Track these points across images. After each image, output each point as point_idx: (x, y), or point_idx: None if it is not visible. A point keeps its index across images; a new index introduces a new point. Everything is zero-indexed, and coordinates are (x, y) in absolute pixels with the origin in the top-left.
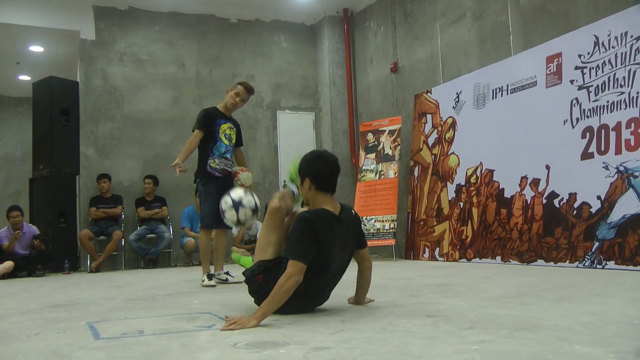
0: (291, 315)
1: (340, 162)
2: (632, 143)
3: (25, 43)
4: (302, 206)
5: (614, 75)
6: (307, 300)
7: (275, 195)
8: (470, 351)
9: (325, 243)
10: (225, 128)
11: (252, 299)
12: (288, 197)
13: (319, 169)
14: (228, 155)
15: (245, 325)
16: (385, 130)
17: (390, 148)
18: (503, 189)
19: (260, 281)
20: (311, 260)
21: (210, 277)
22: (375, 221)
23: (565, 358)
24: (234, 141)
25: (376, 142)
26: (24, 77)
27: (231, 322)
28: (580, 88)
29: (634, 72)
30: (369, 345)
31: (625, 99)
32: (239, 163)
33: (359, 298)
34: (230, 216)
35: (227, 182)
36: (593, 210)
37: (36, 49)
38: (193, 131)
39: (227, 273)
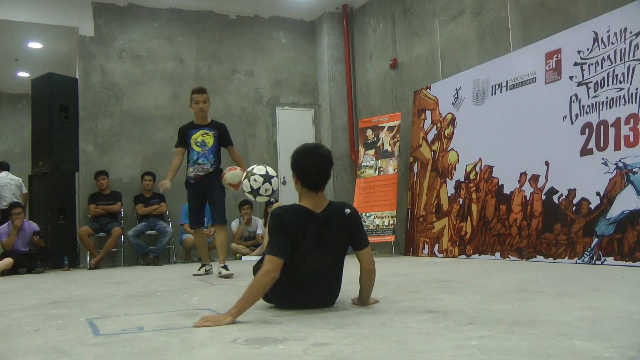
0: (291, 311)
1: (339, 158)
2: (631, 139)
3: (24, 39)
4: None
5: (613, 71)
6: (290, 299)
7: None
8: (469, 347)
9: (295, 239)
10: (197, 136)
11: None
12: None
13: (304, 166)
14: (201, 160)
15: (220, 323)
16: (384, 127)
17: (390, 144)
18: (502, 185)
19: None
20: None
21: (202, 267)
22: (374, 217)
23: (564, 353)
24: (209, 144)
25: (375, 139)
26: (23, 74)
27: (205, 319)
28: (579, 84)
29: (633, 68)
30: (369, 341)
31: (624, 95)
32: (235, 163)
33: (362, 299)
34: (265, 191)
35: (201, 185)
36: (592, 206)
37: (35, 45)
38: None
39: (224, 267)
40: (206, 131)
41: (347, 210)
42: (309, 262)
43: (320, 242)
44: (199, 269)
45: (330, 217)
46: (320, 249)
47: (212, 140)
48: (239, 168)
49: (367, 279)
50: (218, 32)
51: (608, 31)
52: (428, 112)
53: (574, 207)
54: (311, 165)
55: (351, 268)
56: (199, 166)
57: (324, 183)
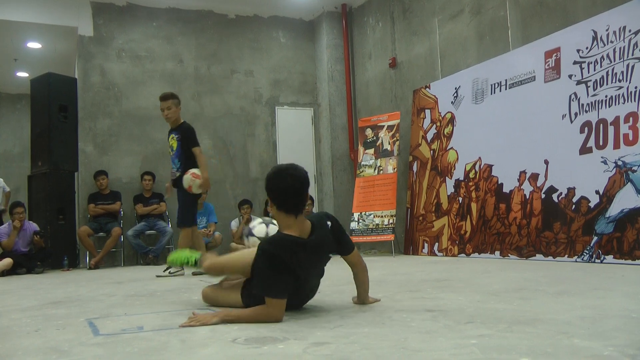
0: (290, 310)
1: (339, 157)
2: (631, 137)
3: (23, 39)
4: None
5: (613, 69)
6: (289, 306)
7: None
8: (469, 345)
9: (294, 270)
10: (169, 140)
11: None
12: None
13: (277, 189)
14: (171, 165)
15: (207, 322)
16: (384, 126)
17: (389, 143)
18: (502, 183)
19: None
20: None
21: (167, 268)
22: (374, 216)
23: (564, 352)
24: (175, 149)
25: (375, 138)
26: (22, 74)
27: (192, 319)
28: (578, 83)
29: (632, 66)
30: (368, 340)
31: (623, 94)
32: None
33: (362, 298)
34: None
35: (176, 189)
36: (592, 204)
37: (34, 45)
38: None
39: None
40: (173, 135)
41: (329, 223)
42: (307, 282)
43: (314, 264)
44: (164, 270)
45: (318, 241)
46: (316, 268)
47: (176, 144)
48: (190, 172)
49: (362, 277)
50: (217, 32)
51: (607, 30)
52: (427, 111)
53: (574, 206)
54: (284, 187)
55: (345, 267)
56: (172, 170)
57: (302, 206)
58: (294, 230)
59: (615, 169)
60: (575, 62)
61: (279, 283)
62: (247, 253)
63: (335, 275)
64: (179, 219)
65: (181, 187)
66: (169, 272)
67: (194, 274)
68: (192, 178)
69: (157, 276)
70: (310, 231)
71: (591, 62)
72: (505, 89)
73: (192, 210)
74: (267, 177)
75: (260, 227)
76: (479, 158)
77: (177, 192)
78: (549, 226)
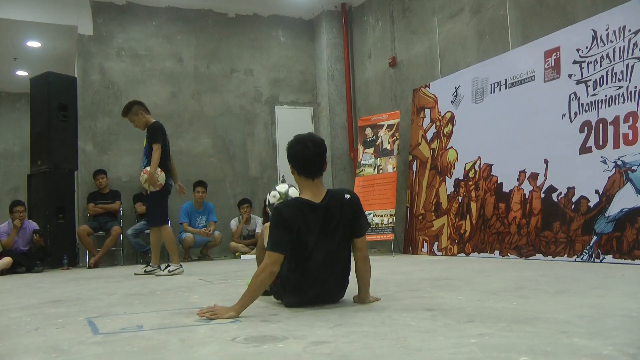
0: (290, 309)
1: (338, 157)
2: (630, 137)
3: (23, 38)
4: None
5: (612, 69)
6: (303, 293)
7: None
8: (469, 344)
9: (299, 231)
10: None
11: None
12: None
13: (295, 154)
14: (142, 163)
15: (223, 316)
16: (383, 125)
17: (389, 143)
18: (501, 183)
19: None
20: (291, 250)
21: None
22: (373, 216)
23: (563, 351)
24: (143, 148)
25: (374, 137)
26: (22, 73)
27: (209, 310)
28: (578, 82)
29: (632, 66)
30: (368, 339)
31: (623, 93)
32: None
33: (361, 294)
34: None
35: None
36: (591, 204)
37: (33, 44)
38: None
39: (158, 267)
40: (145, 136)
41: (347, 196)
42: (317, 254)
43: (325, 231)
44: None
45: (330, 206)
46: (326, 239)
47: (145, 143)
48: (143, 170)
49: (362, 268)
50: (217, 31)
51: (607, 29)
52: (427, 111)
53: (573, 205)
54: (304, 151)
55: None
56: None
57: (320, 169)
58: (308, 193)
59: (614, 168)
60: (575, 62)
61: (281, 238)
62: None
63: None
64: (149, 219)
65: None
66: (145, 271)
67: (137, 274)
68: (142, 174)
69: (136, 274)
70: (324, 197)
71: (591, 62)
72: (505, 88)
73: (160, 209)
74: (289, 147)
75: (283, 185)
76: (479, 157)
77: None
78: (549, 226)
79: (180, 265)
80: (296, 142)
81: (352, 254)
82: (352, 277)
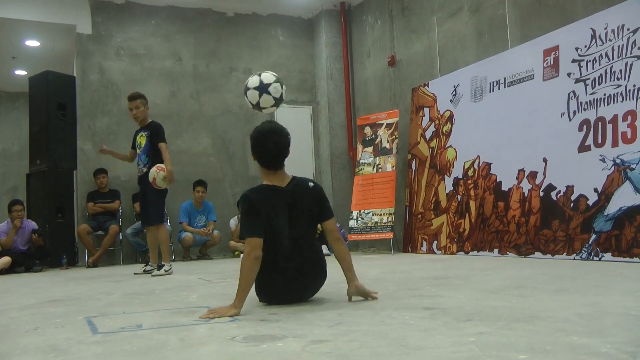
0: (289, 308)
1: (338, 156)
2: (629, 135)
3: (22, 37)
4: None
5: (611, 68)
6: (275, 287)
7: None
8: (468, 343)
9: (267, 215)
10: (137, 138)
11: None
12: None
13: (258, 153)
14: (138, 161)
15: (225, 314)
16: (382, 124)
17: (388, 141)
18: (500, 182)
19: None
20: (264, 233)
21: (146, 264)
22: (373, 214)
23: (562, 349)
24: (143, 145)
25: (374, 136)
26: (21, 72)
27: (211, 311)
28: (577, 81)
29: (631, 64)
30: (367, 338)
31: (622, 92)
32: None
33: (348, 278)
34: (251, 95)
35: (141, 186)
36: (590, 202)
37: (32, 43)
38: None
39: (158, 267)
40: (142, 133)
41: (311, 184)
42: (284, 233)
43: (291, 215)
44: (144, 267)
45: (296, 190)
46: (293, 223)
47: (145, 141)
48: (155, 166)
49: (339, 248)
50: (216, 30)
51: (606, 28)
52: (426, 109)
53: (572, 204)
54: (263, 144)
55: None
56: (138, 167)
57: (281, 162)
58: (273, 181)
59: (613, 167)
60: (574, 61)
61: (253, 224)
62: None
63: (334, 275)
64: (149, 217)
65: (148, 183)
66: (144, 270)
67: (136, 273)
68: (156, 170)
69: (135, 273)
70: (289, 182)
71: (590, 61)
72: (504, 87)
73: (160, 208)
74: (252, 138)
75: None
76: (478, 156)
77: (145, 190)
78: (548, 224)
79: (171, 265)
80: (257, 142)
81: (317, 241)
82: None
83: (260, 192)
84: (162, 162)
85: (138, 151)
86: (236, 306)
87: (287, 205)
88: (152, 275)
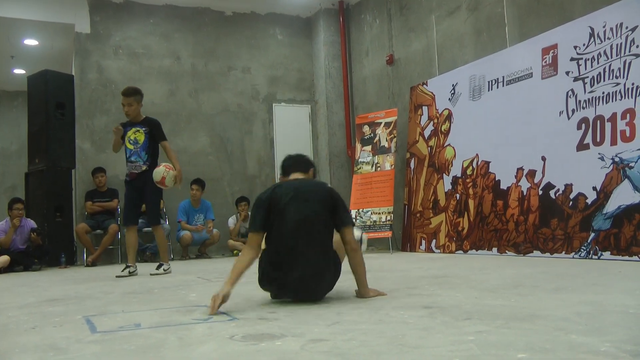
0: (288, 307)
1: (336, 155)
2: (628, 134)
3: (20, 36)
4: None
5: (610, 66)
6: (275, 277)
7: None
8: (466, 342)
9: (272, 200)
10: (130, 134)
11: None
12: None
13: (282, 164)
14: (134, 158)
15: (220, 294)
16: (381, 123)
17: (387, 140)
18: (499, 180)
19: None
20: (265, 223)
21: (126, 267)
22: (371, 213)
23: (561, 348)
24: (141, 142)
25: (372, 135)
26: (19, 71)
27: (213, 302)
28: (575, 79)
29: (629, 63)
30: (366, 337)
31: (620, 90)
32: (168, 159)
33: (359, 290)
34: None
35: (136, 183)
36: (589, 201)
37: (31, 42)
38: None
39: (134, 266)
40: (138, 128)
41: (327, 185)
42: (290, 213)
43: (298, 196)
44: (122, 270)
45: (303, 185)
46: (300, 202)
47: (143, 137)
48: (162, 165)
49: (354, 261)
50: (214, 29)
51: (604, 26)
52: (425, 108)
53: (571, 202)
54: (284, 161)
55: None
56: (132, 164)
57: (293, 170)
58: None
59: (612, 165)
60: (572, 59)
61: (256, 218)
62: None
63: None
64: (153, 216)
65: (148, 182)
66: (129, 272)
67: (118, 276)
68: (166, 169)
69: (117, 276)
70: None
71: (588, 59)
72: (503, 85)
73: (159, 207)
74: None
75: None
76: (477, 155)
77: (145, 189)
78: (547, 223)
79: (169, 264)
80: (285, 159)
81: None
82: (348, 277)
83: (268, 188)
84: (164, 160)
85: (131, 146)
86: (227, 284)
87: (294, 190)
88: (151, 274)
